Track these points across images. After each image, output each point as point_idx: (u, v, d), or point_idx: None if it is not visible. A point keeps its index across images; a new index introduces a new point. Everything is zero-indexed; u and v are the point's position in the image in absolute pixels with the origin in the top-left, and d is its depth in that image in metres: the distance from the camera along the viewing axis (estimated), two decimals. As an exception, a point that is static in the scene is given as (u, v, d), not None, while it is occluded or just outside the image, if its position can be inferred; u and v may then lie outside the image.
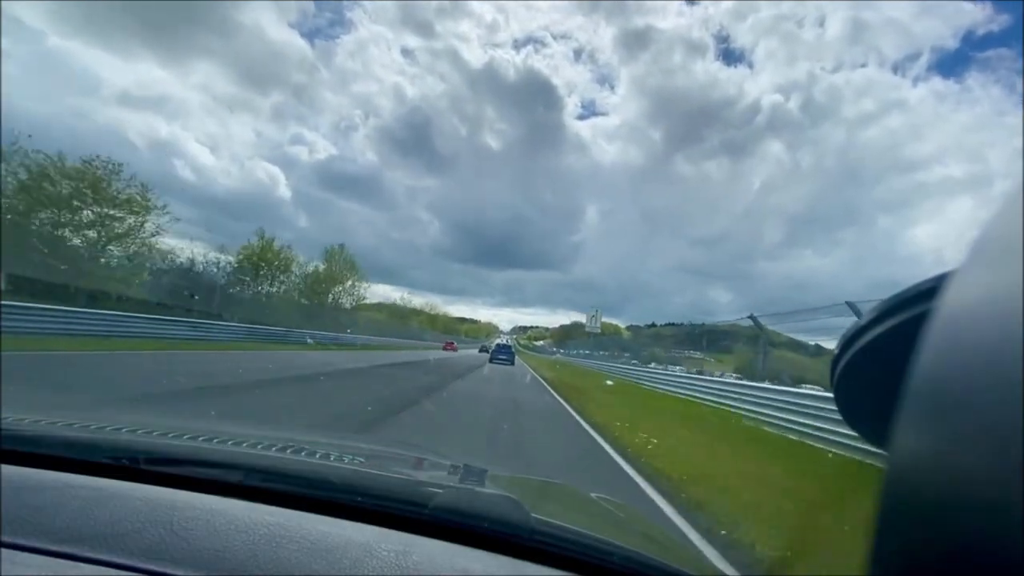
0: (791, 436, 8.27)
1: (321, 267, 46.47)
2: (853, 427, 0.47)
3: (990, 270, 0.23)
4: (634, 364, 26.12)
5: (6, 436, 0.80)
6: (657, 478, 5.04)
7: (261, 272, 38.04)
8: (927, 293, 0.33)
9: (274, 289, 40.79)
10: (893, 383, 0.26)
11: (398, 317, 71.49)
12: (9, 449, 0.78)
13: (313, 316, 39.43)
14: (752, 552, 3.13)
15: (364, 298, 51.85)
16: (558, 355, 64.35)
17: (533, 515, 0.73)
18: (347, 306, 49.08)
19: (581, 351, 49.36)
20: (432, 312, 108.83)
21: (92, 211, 22.52)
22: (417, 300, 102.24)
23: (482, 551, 0.69)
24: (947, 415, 0.22)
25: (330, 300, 47.37)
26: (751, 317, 12.26)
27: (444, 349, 55.45)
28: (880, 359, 0.39)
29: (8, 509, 0.61)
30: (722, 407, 11.79)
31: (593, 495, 1.39)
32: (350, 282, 49.03)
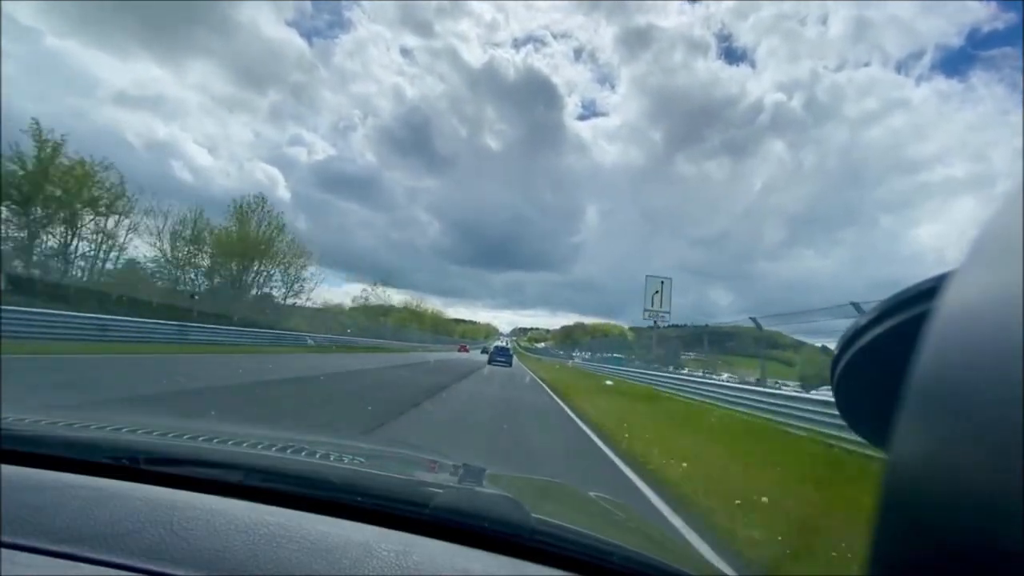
0: None
1: (232, 229, 31.70)
2: (853, 428, 0.47)
3: (990, 270, 0.23)
4: (655, 368, 21.83)
5: (6, 436, 0.81)
6: None
7: (36, 209, 20.44)
8: (927, 293, 0.33)
9: (93, 248, 24.12)
10: (893, 383, 0.25)
11: (370, 315, 56.50)
12: (9, 449, 0.78)
13: (208, 301, 26.57)
14: None
15: (302, 279, 36.69)
16: (576, 360, 46.61)
17: (533, 515, 0.73)
18: (280, 294, 35.56)
19: (593, 353, 39.83)
20: (418, 309, 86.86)
21: None
22: (397, 295, 77.42)
23: (482, 551, 0.69)
24: (947, 415, 0.22)
25: (251, 280, 33.45)
26: (854, 304, 8.00)
27: (459, 351, 61.09)
28: (880, 359, 0.39)
29: (8, 509, 0.61)
30: None
31: (593, 495, 1.38)
32: (276, 250, 33.76)
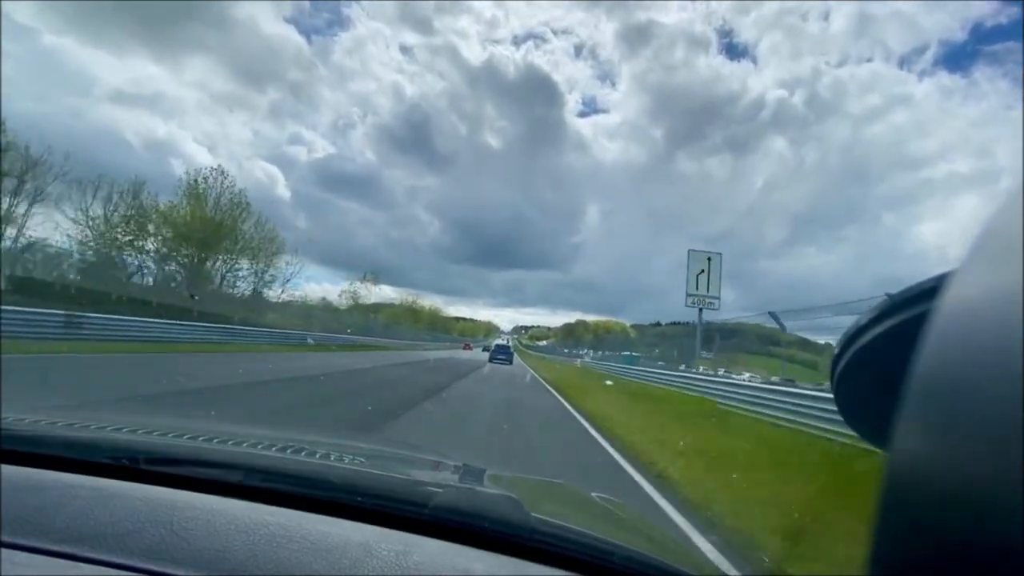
0: None
1: (184, 205, 26.88)
2: (853, 427, 0.47)
3: (991, 268, 0.23)
4: (662, 367, 20.41)
5: (6, 436, 0.81)
6: None
7: None
8: (928, 293, 0.33)
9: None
10: (893, 383, 0.25)
11: (360, 312, 50.15)
12: (9, 449, 0.79)
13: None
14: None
15: (274, 268, 31.46)
16: (586, 359, 41.96)
17: (533, 514, 0.73)
18: (248, 285, 30.82)
19: (596, 351, 37.33)
20: (414, 306, 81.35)
21: None
22: (391, 291, 75.45)
23: (482, 551, 0.68)
24: (947, 415, 0.22)
25: (213, 267, 28.78)
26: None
27: (463, 348, 62.63)
28: (880, 359, 0.38)
29: (8, 509, 0.61)
30: None
31: (594, 495, 1.38)
32: (239, 232, 28.65)
